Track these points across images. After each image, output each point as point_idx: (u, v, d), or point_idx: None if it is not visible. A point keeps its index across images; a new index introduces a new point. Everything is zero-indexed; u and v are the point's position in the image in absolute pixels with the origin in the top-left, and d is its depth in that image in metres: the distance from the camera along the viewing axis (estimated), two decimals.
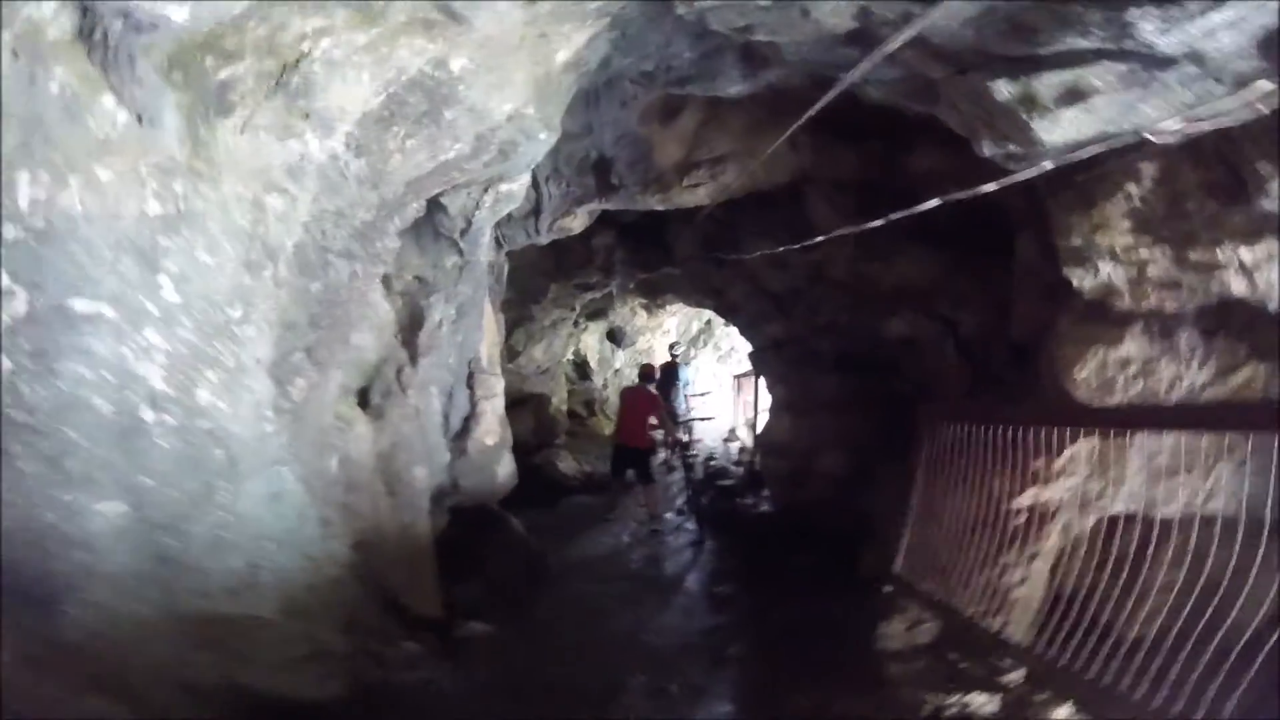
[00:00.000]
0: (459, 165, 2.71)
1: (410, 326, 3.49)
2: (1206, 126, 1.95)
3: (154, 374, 1.81)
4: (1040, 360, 2.91)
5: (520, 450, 6.99)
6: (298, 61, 1.88)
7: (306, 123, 2.03)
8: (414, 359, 3.47)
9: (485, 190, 3.32)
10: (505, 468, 4.86)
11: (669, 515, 6.90)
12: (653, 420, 6.65)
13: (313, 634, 2.89)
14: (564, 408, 10.56)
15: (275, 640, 2.67)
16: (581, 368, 12.19)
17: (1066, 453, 2.54)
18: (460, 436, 4.29)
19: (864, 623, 3.03)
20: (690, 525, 6.34)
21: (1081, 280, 2.64)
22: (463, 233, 3.49)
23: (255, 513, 2.39)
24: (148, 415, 1.84)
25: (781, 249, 4.50)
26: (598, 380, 12.32)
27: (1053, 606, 2.33)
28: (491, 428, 4.48)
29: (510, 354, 8.63)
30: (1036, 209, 2.89)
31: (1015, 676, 2.25)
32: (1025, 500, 2.62)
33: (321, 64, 1.93)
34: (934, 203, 2.78)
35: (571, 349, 11.28)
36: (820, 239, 3.97)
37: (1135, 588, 2.11)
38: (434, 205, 3.21)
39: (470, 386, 4.35)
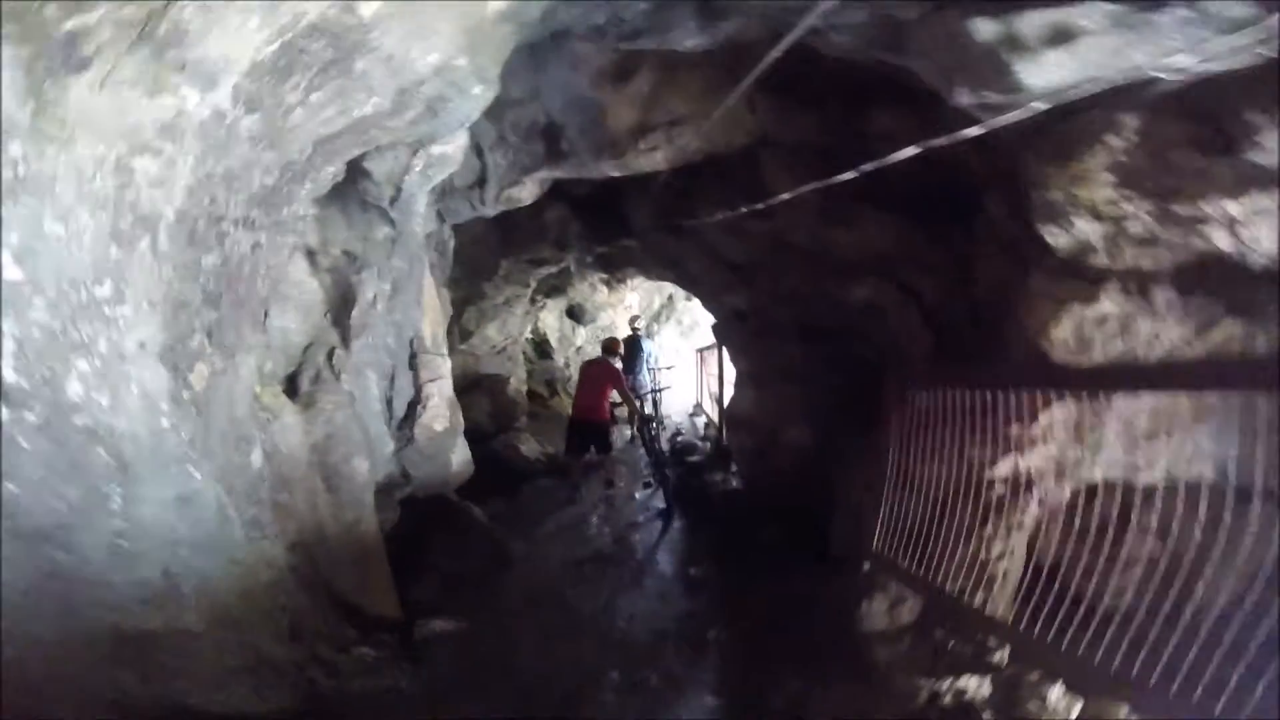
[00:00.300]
0: (379, 123, 2.41)
1: (341, 305, 3.18)
2: (1201, 69, 1.82)
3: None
4: (1008, 323, 2.80)
5: (478, 435, 6.72)
6: (166, 7, 1.57)
7: (182, 75, 1.71)
8: (346, 340, 3.17)
9: (414, 153, 3.01)
10: (459, 454, 4.61)
11: (637, 495, 6.76)
12: (614, 395, 6.46)
13: (250, 643, 2.69)
14: (524, 389, 10.27)
15: (208, 652, 2.48)
16: (541, 347, 11.88)
17: (1043, 417, 2.43)
18: (405, 423, 4.01)
19: (845, 602, 2.91)
20: (658, 503, 6.20)
21: (1056, 237, 2.52)
22: (392, 200, 3.18)
23: (162, 518, 2.13)
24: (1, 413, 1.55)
25: (739, 211, 4.31)
26: (559, 359, 12.05)
27: (1033, 579, 2.23)
28: (440, 412, 4.21)
29: (462, 334, 8.29)
30: (1007, 166, 2.75)
31: (1003, 655, 2.15)
32: (1003, 469, 2.51)
33: (196, 9, 1.62)
34: (900, 155, 2.61)
35: (529, 328, 10.97)
36: (777, 199, 3.80)
37: (1117, 558, 2.02)
38: (357, 170, 2.89)
39: (413, 369, 4.06)
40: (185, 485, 2.16)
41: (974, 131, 2.31)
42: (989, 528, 2.46)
